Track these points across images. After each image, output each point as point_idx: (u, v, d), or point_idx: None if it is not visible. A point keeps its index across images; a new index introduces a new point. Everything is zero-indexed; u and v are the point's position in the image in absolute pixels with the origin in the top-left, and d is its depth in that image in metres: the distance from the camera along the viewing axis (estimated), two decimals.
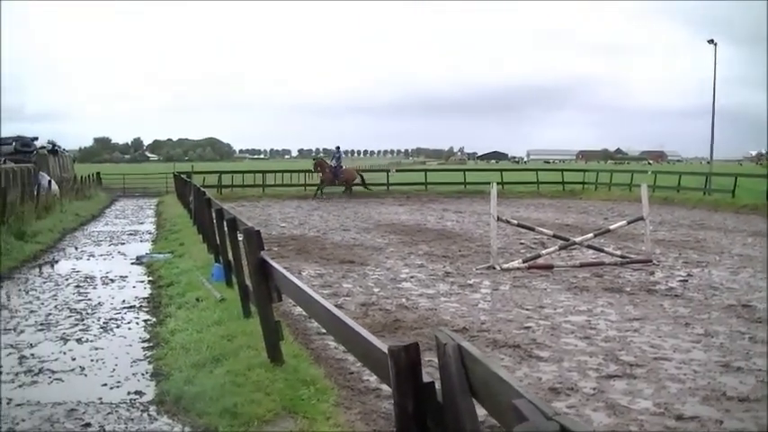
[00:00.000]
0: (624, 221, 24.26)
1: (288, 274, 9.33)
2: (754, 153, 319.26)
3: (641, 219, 22.84)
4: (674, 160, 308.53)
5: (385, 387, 9.13)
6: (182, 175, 49.98)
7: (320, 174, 57.06)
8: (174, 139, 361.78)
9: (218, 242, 17.34)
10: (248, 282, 12.56)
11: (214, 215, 18.07)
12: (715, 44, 60.59)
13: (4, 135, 54.12)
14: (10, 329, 14.32)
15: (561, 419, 2.91)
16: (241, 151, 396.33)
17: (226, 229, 15.09)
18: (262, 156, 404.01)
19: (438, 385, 4.44)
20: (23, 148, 49.40)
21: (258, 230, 10.92)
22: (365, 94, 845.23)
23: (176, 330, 13.20)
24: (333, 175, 55.89)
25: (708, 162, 72.67)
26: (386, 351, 4.64)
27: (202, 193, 23.94)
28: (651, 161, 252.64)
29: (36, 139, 53.72)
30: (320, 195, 55.20)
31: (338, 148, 59.58)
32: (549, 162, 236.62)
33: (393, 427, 8.16)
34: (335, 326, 6.52)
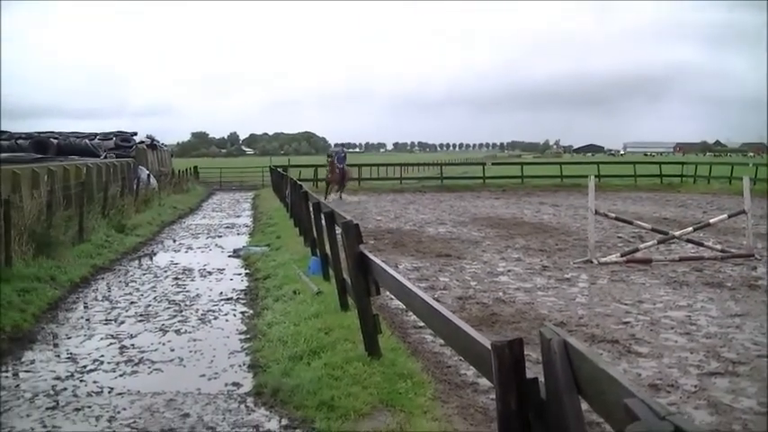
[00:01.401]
0: (725, 215, 23.82)
1: (387, 267, 9.33)
2: None
3: (743, 212, 22.42)
4: None
5: (483, 381, 9.10)
6: (278, 169, 50.39)
7: (329, 174, 49.84)
8: (270, 133, 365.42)
9: (315, 235, 17.42)
10: (345, 275, 12.60)
11: (311, 208, 18.15)
12: None
13: (106, 131, 55.14)
14: (111, 320, 14.55)
15: (675, 419, 2.84)
16: (336, 145, 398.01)
17: (323, 222, 15.14)
18: (357, 149, 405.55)
19: (541, 381, 4.38)
20: (123, 143, 50.25)
21: (357, 224, 10.92)
22: (462, 87, 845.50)
23: (273, 323, 13.28)
24: (341, 177, 49.18)
25: None
26: (489, 346, 4.59)
27: (299, 186, 24.04)
28: (752, 153, 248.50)
29: (135, 134, 54.64)
30: (333, 196, 47.63)
31: (343, 147, 57.35)
32: (646, 155, 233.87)
33: (490, 422, 8.16)
34: (435, 319, 6.48)
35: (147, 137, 57.81)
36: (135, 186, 38.09)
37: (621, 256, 20.84)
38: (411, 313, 11.24)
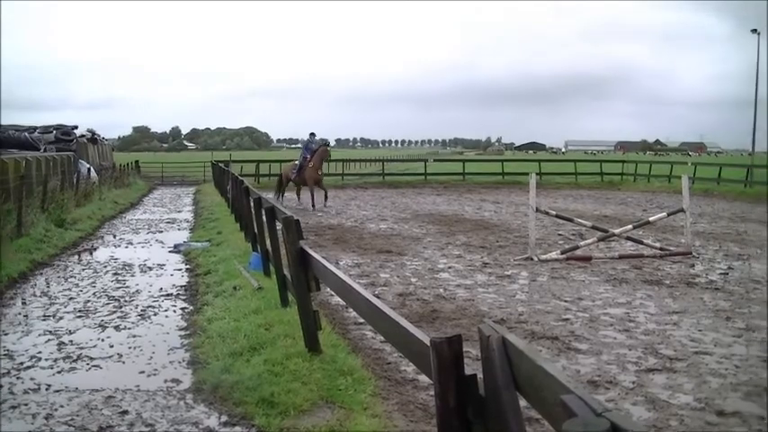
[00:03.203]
0: (664, 213, 24.07)
1: (327, 263, 9.30)
2: None
3: (682, 210, 22.67)
4: (715, 152, 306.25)
5: (423, 378, 9.09)
6: (220, 164, 50.14)
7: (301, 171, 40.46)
8: (213, 128, 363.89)
9: (257, 231, 17.34)
10: (286, 271, 12.55)
11: (252, 204, 18.08)
12: (758, 34, 60.18)
13: (46, 124, 54.47)
14: (50, 316, 14.38)
15: (611, 416, 2.84)
16: (279, 140, 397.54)
17: (264, 218, 15.08)
18: (299, 145, 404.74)
19: (480, 377, 4.39)
20: (63, 136, 49.61)
21: (297, 219, 10.88)
22: (405, 84, 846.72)
23: (214, 319, 13.20)
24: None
25: (749, 154, 72.16)
26: (428, 343, 4.59)
27: (241, 181, 23.95)
28: (691, 153, 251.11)
29: (76, 127, 54.02)
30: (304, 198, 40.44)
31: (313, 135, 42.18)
32: (587, 153, 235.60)
33: (431, 419, 8.17)
34: (375, 316, 6.47)
35: (88, 130, 57.24)
36: (75, 180, 37.63)
37: (562, 253, 20.98)
38: (351, 309, 11.23)
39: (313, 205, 37.63)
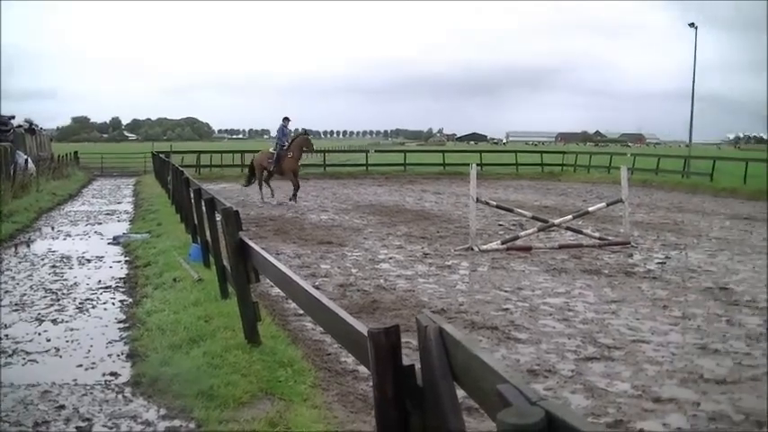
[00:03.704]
0: (603, 203, 24.26)
1: (266, 254, 9.27)
2: (732, 136, 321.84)
3: (620, 201, 22.87)
4: (653, 143, 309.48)
5: (362, 368, 9.09)
6: (160, 155, 49.80)
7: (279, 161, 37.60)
8: (153, 118, 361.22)
9: (197, 222, 17.24)
10: (226, 262, 12.49)
11: (192, 195, 17.98)
12: (696, 27, 60.79)
13: None
14: None
15: (546, 405, 2.86)
16: (220, 131, 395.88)
17: (204, 209, 15.00)
18: (241, 136, 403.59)
19: (418, 368, 4.39)
20: (0, 127, 48.96)
21: (237, 210, 10.84)
22: (346, 75, 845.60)
23: (153, 311, 13.10)
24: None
25: (687, 145, 73.02)
26: (365, 333, 4.59)
27: (181, 172, 23.79)
28: (631, 144, 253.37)
29: (13, 117, 53.27)
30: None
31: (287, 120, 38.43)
32: (528, 144, 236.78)
33: (371, 409, 8.16)
34: (314, 307, 6.46)
35: (26, 121, 56.56)
36: (12, 172, 37.23)
37: (502, 243, 21.08)
38: (292, 301, 11.20)
39: (294, 196, 35.87)
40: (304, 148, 36.81)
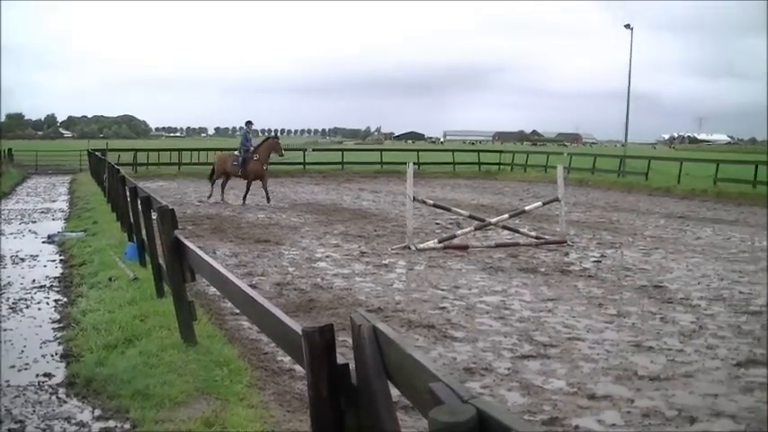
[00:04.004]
0: (539, 202, 24.44)
1: (202, 253, 9.24)
2: (667, 136, 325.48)
3: (556, 200, 23.03)
4: (590, 143, 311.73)
5: (299, 368, 9.06)
6: (96, 153, 49.40)
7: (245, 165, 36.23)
8: (90, 116, 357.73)
9: (132, 221, 17.13)
10: (162, 261, 12.41)
11: (128, 193, 17.84)
12: (631, 29, 61.32)
13: None
14: None
15: (477, 403, 2.87)
16: (157, 129, 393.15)
17: (140, 207, 14.89)
18: (178, 134, 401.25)
19: (353, 367, 4.40)
20: None
21: (172, 209, 10.78)
22: (284, 72, 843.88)
23: (88, 310, 12.98)
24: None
25: (622, 145, 73.72)
26: (300, 332, 4.58)
27: (117, 170, 23.61)
28: (567, 143, 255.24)
29: None
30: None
31: (250, 123, 38.45)
32: (466, 143, 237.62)
33: (307, 408, 8.15)
34: (249, 306, 6.44)
35: None
36: None
37: (439, 242, 21.15)
38: (227, 300, 11.16)
39: (244, 199, 35.04)
40: (273, 152, 36.19)
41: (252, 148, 35.64)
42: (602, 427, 8.44)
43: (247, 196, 35.26)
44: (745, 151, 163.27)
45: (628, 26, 61.61)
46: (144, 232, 15.06)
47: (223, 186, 36.44)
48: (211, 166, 38.82)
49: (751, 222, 29.82)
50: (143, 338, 10.80)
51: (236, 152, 36.72)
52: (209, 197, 36.26)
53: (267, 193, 35.24)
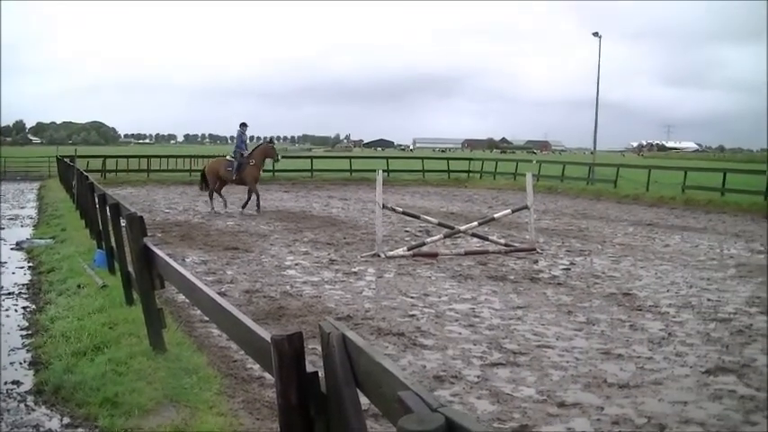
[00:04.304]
0: (509, 210, 24.53)
1: (170, 260, 9.21)
2: (635, 144, 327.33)
3: (525, 207, 23.09)
4: (559, 150, 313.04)
5: (269, 375, 9.06)
6: (65, 159, 49.14)
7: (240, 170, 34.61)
8: (58, 122, 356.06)
9: (101, 228, 17.06)
10: (131, 268, 12.36)
11: (97, 200, 17.78)
12: (600, 37, 61.57)
13: None
14: None
15: (446, 411, 2.88)
16: (126, 136, 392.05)
17: (109, 214, 14.85)
18: (147, 140, 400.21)
19: (322, 375, 4.40)
20: None
21: (141, 216, 10.75)
22: (253, 79, 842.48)
23: (56, 318, 12.93)
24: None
25: (591, 152, 74.05)
26: (269, 340, 4.59)
27: (85, 177, 23.52)
28: (536, 151, 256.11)
29: None
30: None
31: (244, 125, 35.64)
32: (435, 150, 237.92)
33: (277, 416, 8.15)
34: (218, 314, 6.44)
35: None
36: None
37: (408, 249, 21.16)
38: (196, 307, 11.14)
39: (244, 206, 33.90)
40: (267, 157, 35.33)
41: (246, 153, 34.52)
42: None
43: (227, 203, 34.69)
44: (714, 159, 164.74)
45: (596, 34, 61.89)
46: (113, 239, 15.00)
47: (219, 194, 34.99)
48: (200, 175, 37.05)
49: (719, 230, 30.00)
50: (112, 346, 10.76)
51: (227, 157, 35.43)
52: (212, 210, 34.21)
53: (249, 200, 34.09)
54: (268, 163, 37.50)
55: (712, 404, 9.48)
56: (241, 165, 34.13)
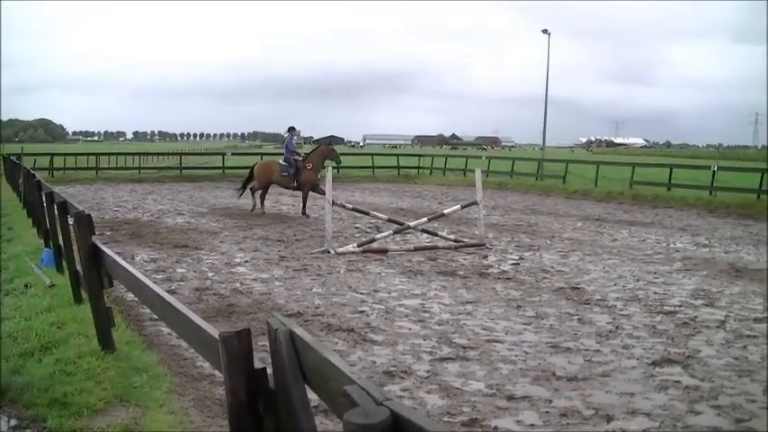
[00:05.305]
0: (458, 206, 24.57)
1: (119, 259, 9.16)
2: (584, 140, 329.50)
3: (475, 203, 23.17)
4: (509, 146, 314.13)
5: (219, 373, 9.05)
6: (11, 157, 48.70)
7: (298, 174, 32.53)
8: (4, 119, 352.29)
9: (49, 226, 16.92)
10: (79, 267, 12.28)
11: (44, 198, 17.63)
12: (549, 34, 61.92)
13: None
14: None
15: (391, 405, 2.92)
16: (75, 133, 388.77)
17: (56, 212, 14.73)
18: (96, 138, 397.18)
19: (271, 371, 4.42)
20: None
21: (89, 214, 10.67)
22: (204, 77, 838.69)
23: (3, 318, 12.76)
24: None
25: (541, 148, 74.47)
26: (217, 337, 4.59)
27: (32, 175, 23.29)
28: (486, 147, 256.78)
29: None
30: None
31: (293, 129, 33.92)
32: (385, 146, 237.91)
33: (227, 414, 8.15)
34: (167, 312, 6.42)
35: None
36: None
37: (358, 246, 21.18)
38: (146, 306, 11.09)
39: (304, 212, 31.85)
40: (327, 159, 33.32)
41: (302, 156, 32.62)
42: (520, 427, 8.53)
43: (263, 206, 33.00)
44: (660, 155, 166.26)
45: (545, 31, 62.24)
46: (60, 238, 14.88)
47: (262, 197, 33.40)
48: (248, 173, 34.81)
49: (666, 224, 30.34)
50: (60, 346, 10.67)
51: (280, 161, 33.26)
52: (252, 209, 32.87)
53: (305, 206, 32.26)
54: (212, 161, 37.09)
55: (658, 395, 9.62)
56: (298, 169, 32.24)
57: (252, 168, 34.51)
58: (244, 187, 34.11)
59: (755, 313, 14.32)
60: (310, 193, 32.27)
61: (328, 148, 33.96)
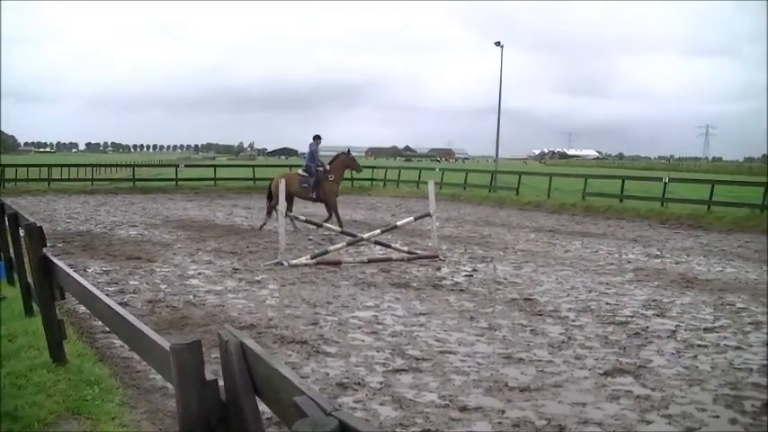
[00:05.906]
0: (411, 218, 24.62)
1: (70, 271, 9.12)
2: (537, 152, 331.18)
3: (428, 215, 23.22)
4: (462, 158, 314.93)
5: (171, 385, 9.03)
6: None
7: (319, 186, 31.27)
8: None
9: None
10: (30, 279, 12.21)
11: None
12: (501, 46, 62.12)
13: None
14: None
15: (340, 415, 2.94)
16: (26, 144, 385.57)
17: (7, 224, 14.62)
18: (48, 149, 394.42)
19: (222, 383, 4.42)
20: None
21: (40, 226, 10.61)
22: (158, 88, 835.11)
23: None
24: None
25: (494, 160, 74.77)
26: (168, 349, 4.59)
27: None
28: (440, 159, 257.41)
29: None
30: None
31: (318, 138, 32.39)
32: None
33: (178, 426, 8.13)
34: (118, 324, 6.41)
35: None
36: None
37: (312, 258, 21.17)
38: (97, 318, 11.04)
39: (340, 224, 29.45)
40: (348, 168, 32.68)
41: (322, 167, 31.00)
42: None
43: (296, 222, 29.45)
44: (613, 166, 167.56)
45: (498, 44, 62.45)
46: (11, 250, 14.78)
47: (290, 212, 27.74)
48: (268, 188, 32.33)
49: (618, 235, 30.55)
50: (11, 359, 10.59)
51: (299, 171, 31.85)
52: (261, 227, 30.84)
53: (339, 217, 30.88)
54: (165, 173, 36.74)
55: (610, 404, 9.70)
56: (319, 180, 30.88)
57: (269, 187, 31.67)
58: (269, 212, 31.11)
59: (705, 323, 14.48)
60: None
61: (349, 157, 32.30)
